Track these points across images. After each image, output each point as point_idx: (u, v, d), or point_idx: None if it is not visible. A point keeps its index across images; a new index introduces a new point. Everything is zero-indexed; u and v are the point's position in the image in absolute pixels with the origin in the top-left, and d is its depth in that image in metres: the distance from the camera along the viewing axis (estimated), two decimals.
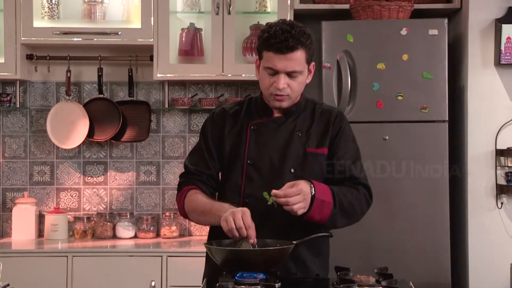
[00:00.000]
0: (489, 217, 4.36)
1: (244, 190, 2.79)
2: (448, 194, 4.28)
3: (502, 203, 4.35)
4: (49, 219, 4.76)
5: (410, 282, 2.52)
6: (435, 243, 4.27)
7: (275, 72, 2.73)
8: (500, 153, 4.34)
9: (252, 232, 2.54)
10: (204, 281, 2.53)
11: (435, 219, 4.28)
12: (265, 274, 2.44)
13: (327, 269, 2.90)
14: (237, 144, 2.84)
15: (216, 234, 2.78)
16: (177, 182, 2.97)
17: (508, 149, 4.32)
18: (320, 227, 2.77)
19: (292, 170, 2.78)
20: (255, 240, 2.55)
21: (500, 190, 4.33)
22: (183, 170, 2.95)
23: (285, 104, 2.80)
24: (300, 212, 2.61)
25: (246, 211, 2.58)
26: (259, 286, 2.30)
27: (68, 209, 4.91)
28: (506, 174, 4.33)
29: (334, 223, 2.74)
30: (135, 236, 4.83)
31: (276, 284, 2.33)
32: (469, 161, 4.37)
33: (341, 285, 2.29)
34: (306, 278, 2.65)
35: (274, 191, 2.58)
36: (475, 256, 4.35)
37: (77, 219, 4.83)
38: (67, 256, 4.38)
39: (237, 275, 2.43)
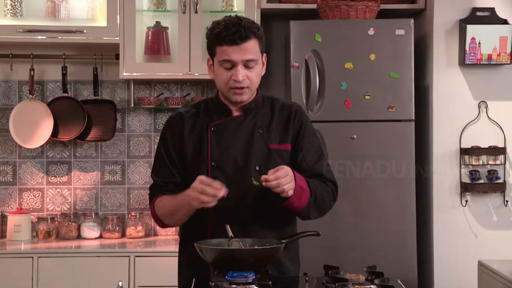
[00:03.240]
0: (454, 215, 4.43)
1: None
2: (415, 192, 4.34)
3: (466, 201, 4.42)
4: (11, 219, 4.68)
5: (399, 280, 2.55)
6: (402, 240, 4.33)
7: (232, 65, 2.74)
8: (464, 151, 4.41)
9: (220, 186, 2.60)
10: (193, 281, 2.52)
11: (402, 217, 4.33)
12: (255, 273, 2.45)
13: (298, 264, 2.93)
14: (199, 147, 2.84)
15: (188, 234, 2.83)
16: (146, 187, 2.97)
17: (472, 148, 4.40)
18: (291, 223, 2.86)
19: (257, 168, 2.78)
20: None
21: (464, 188, 4.41)
22: (152, 182, 2.95)
23: (245, 97, 2.81)
24: (290, 192, 2.63)
25: (199, 178, 2.62)
26: (253, 286, 2.30)
27: (31, 209, 4.84)
28: (470, 172, 4.41)
29: (308, 213, 2.78)
30: (100, 236, 4.78)
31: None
32: (434, 160, 4.43)
33: (336, 284, 2.30)
34: (296, 277, 2.67)
35: (264, 176, 2.60)
36: (440, 253, 4.42)
37: (40, 219, 4.76)
38: (32, 257, 4.32)
39: (228, 274, 2.43)
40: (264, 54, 2.85)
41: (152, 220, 4.78)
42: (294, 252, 2.90)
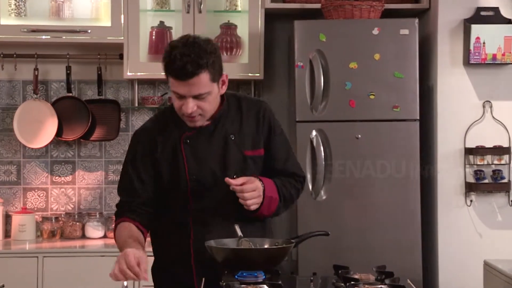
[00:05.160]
0: (458, 214, 4.43)
1: (193, 205, 2.78)
2: (419, 192, 4.34)
3: (471, 201, 4.42)
4: (16, 219, 4.68)
5: (408, 280, 2.55)
6: (407, 240, 4.32)
7: (181, 96, 2.64)
8: (468, 151, 4.41)
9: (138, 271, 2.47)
10: (203, 280, 2.53)
11: (407, 217, 4.33)
12: (264, 273, 2.45)
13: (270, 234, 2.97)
14: (175, 161, 2.78)
15: (168, 247, 2.85)
16: None
17: (477, 147, 4.40)
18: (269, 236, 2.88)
19: (235, 176, 2.75)
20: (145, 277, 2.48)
21: (469, 188, 4.41)
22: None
23: (199, 123, 2.74)
24: (253, 207, 2.66)
25: (128, 258, 2.50)
26: (264, 285, 2.30)
27: (36, 209, 4.84)
28: (475, 172, 4.41)
29: (277, 214, 2.84)
30: (105, 236, 4.78)
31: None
32: (438, 160, 4.43)
33: (347, 284, 2.30)
34: (305, 277, 2.67)
35: (228, 180, 2.63)
36: (445, 253, 4.42)
37: (45, 219, 4.76)
38: (37, 257, 4.32)
39: (238, 274, 2.43)
40: (224, 74, 2.73)
41: None
42: (265, 231, 2.89)
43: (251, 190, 2.64)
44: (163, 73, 2.66)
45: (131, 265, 2.46)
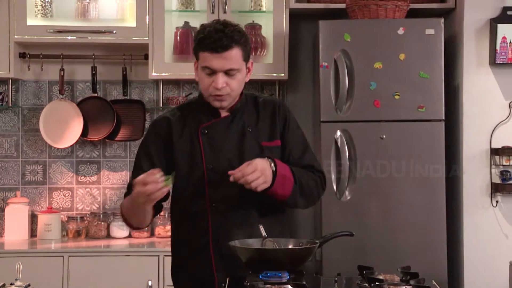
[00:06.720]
0: (484, 215, 4.40)
1: (209, 195, 2.80)
2: (445, 192, 4.32)
3: (497, 202, 4.39)
4: (42, 219, 4.72)
5: (433, 281, 2.54)
6: (432, 241, 4.30)
7: (212, 72, 2.71)
8: (495, 152, 4.38)
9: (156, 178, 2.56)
10: (227, 280, 2.53)
11: (432, 218, 4.31)
12: (289, 273, 2.45)
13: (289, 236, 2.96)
14: (192, 151, 2.82)
15: (186, 237, 2.88)
16: None
17: (503, 148, 4.37)
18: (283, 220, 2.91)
19: None
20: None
21: (495, 189, 4.38)
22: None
23: (225, 103, 2.79)
24: (260, 188, 2.65)
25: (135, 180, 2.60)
26: (288, 286, 2.30)
27: (61, 208, 4.87)
28: (501, 172, 4.38)
29: (295, 201, 2.81)
30: (129, 236, 4.80)
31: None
32: (464, 160, 4.40)
33: (372, 285, 2.30)
34: (329, 277, 2.67)
35: (230, 172, 2.64)
36: (470, 254, 4.39)
37: (70, 218, 4.79)
38: (63, 256, 4.35)
39: (262, 274, 2.43)
40: (251, 61, 2.83)
41: None
42: (282, 225, 2.91)
43: (252, 171, 2.63)
44: (187, 72, 2.70)
45: (150, 179, 2.55)
